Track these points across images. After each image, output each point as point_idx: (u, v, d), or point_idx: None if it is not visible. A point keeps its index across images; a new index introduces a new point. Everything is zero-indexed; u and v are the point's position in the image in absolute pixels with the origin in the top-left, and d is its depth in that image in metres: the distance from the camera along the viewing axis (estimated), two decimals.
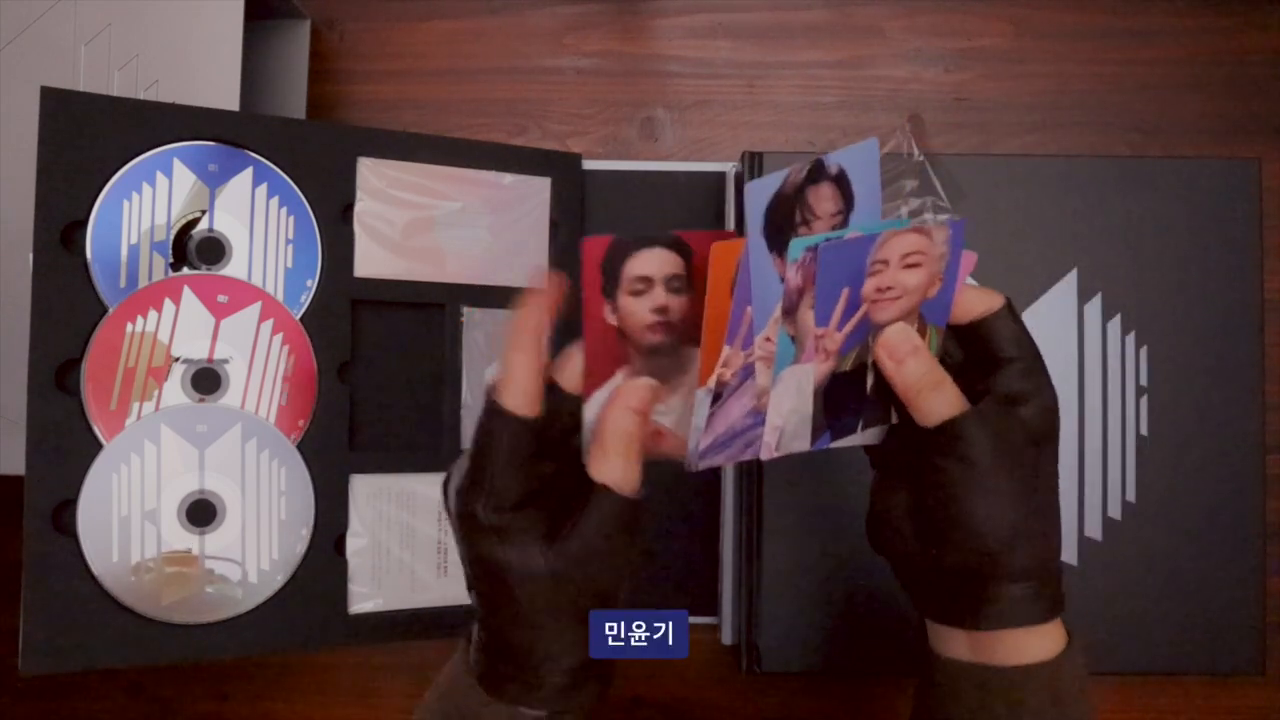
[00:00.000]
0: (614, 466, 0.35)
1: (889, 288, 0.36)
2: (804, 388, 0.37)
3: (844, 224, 0.36)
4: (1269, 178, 0.57)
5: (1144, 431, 0.55)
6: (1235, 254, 0.55)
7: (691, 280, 0.37)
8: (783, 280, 0.35)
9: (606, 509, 0.35)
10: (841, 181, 0.36)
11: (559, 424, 0.36)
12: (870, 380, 0.38)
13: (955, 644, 0.38)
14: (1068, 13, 0.63)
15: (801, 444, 0.38)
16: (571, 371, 0.37)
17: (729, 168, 0.59)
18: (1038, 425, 0.36)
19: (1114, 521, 0.55)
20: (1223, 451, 0.55)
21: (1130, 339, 0.55)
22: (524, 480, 0.35)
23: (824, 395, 0.38)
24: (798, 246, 0.34)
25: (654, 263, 0.36)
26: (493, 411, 0.35)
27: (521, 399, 0.35)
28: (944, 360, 0.38)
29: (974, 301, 0.37)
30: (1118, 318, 0.55)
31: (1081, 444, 0.55)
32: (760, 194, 0.35)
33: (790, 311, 0.35)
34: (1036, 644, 0.37)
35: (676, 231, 0.37)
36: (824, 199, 0.36)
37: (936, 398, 0.36)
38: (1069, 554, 0.54)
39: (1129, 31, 0.63)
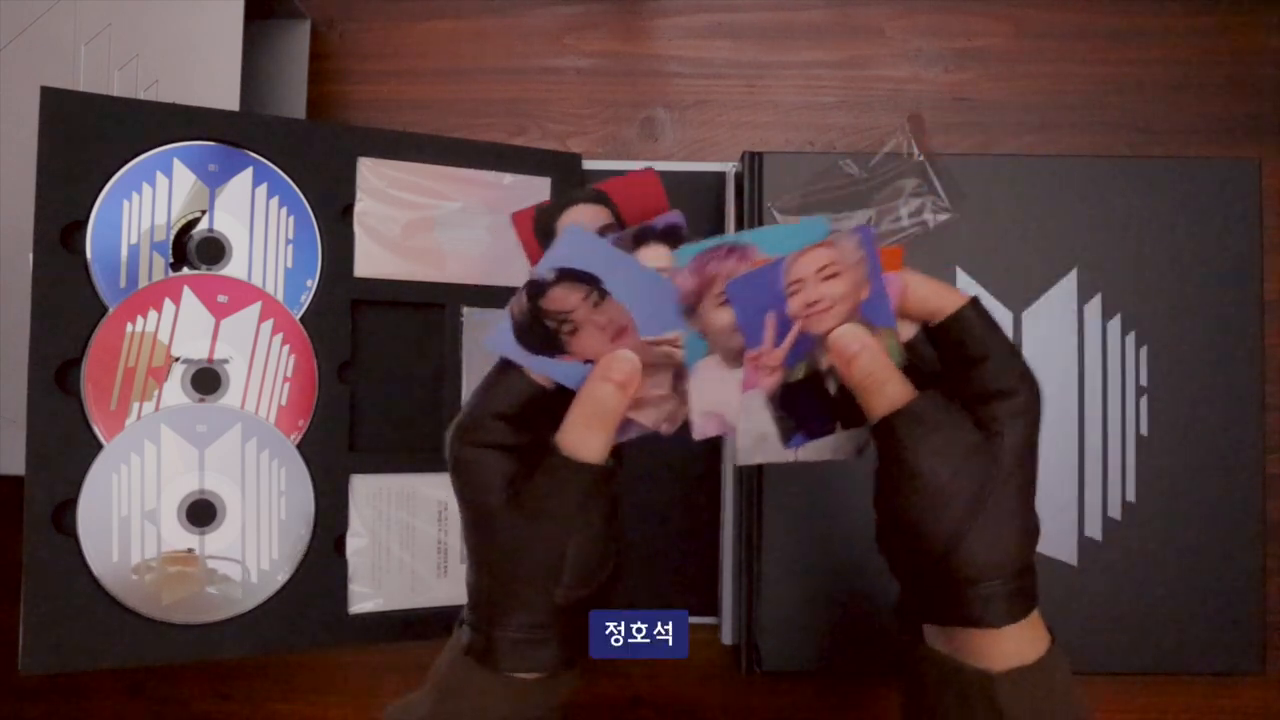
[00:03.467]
0: (577, 433, 0.36)
1: (815, 301, 0.37)
2: (756, 408, 0.38)
3: (601, 298, 0.37)
4: (1269, 178, 0.57)
5: (1144, 431, 0.55)
6: (1235, 254, 0.55)
7: (624, 228, 0.38)
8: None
9: (561, 472, 0.36)
10: (568, 276, 0.37)
11: (554, 398, 0.38)
12: (833, 385, 0.38)
13: (936, 640, 0.38)
14: (1068, 13, 0.63)
15: (776, 453, 0.39)
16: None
17: (729, 168, 0.59)
18: (1018, 419, 0.36)
19: (1114, 521, 0.55)
20: (1223, 451, 0.55)
21: (1130, 339, 0.55)
22: (511, 429, 0.37)
23: (781, 404, 0.38)
24: (684, 254, 0.36)
25: (584, 217, 0.37)
26: (506, 363, 0.37)
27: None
28: (919, 367, 0.38)
29: (935, 300, 0.37)
30: (1118, 318, 0.55)
31: (1081, 444, 0.55)
32: (501, 337, 0.37)
33: (690, 313, 0.37)
34: (1013, 648, 0.36)
35: (595, 185, 0.39)
36: (560, 299, 0.37)
37: (880, 394, 0.36)
38: (1069, 554, 0.54)
39: (1129, 31, 0.63)
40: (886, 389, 0.36)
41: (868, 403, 0.36)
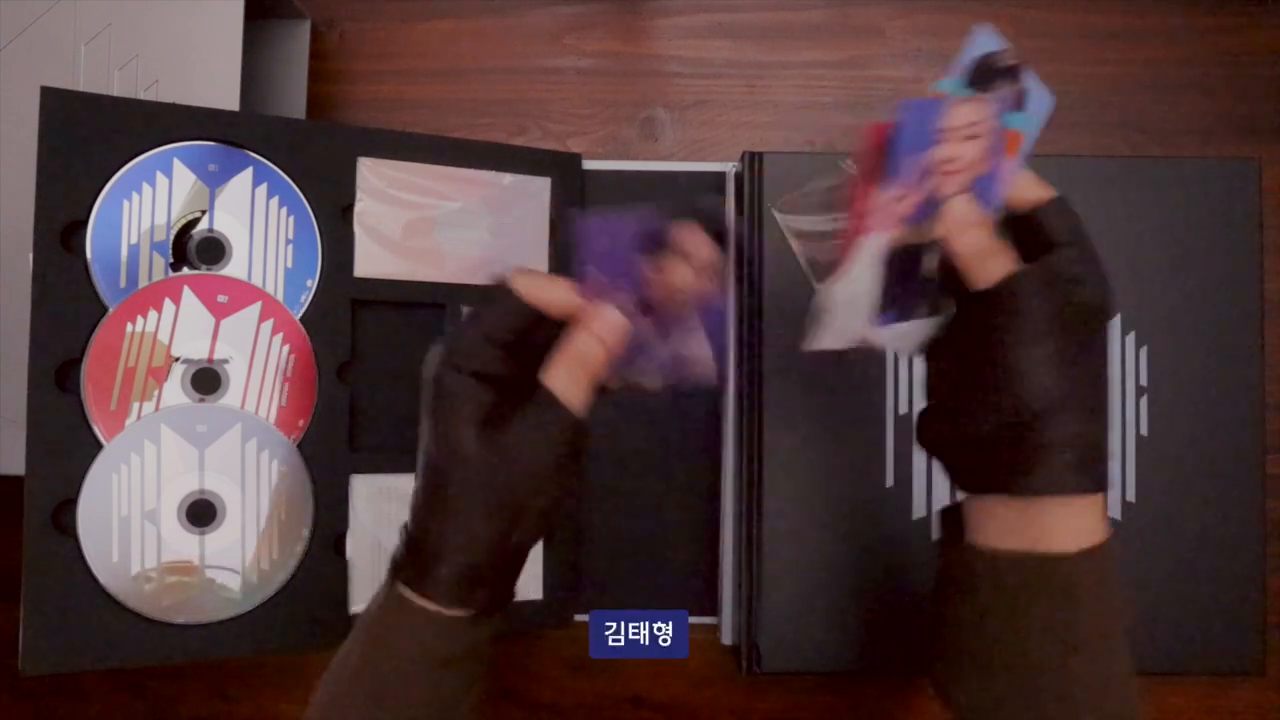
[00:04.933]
0: (562, 378, 0.36)
1: (951, 159, 0.37)
2: (865, 265, 0.38)
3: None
4: (1269, 178, 0.57)
5: (1144, 431, 0.55)
6: (1235, 254, 0.55)
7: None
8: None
9: (546, 413, 0.36)
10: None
11: (544, 332, 0.37)
12: (929, 263, 0.38)
13: (997, 525, 0.38)
14: (1068, 13, 0.63)
15: (859, 326, 0.39)
16: (558, 295, 0.37)
17: (729, 168, 0.59)
18: (1093, 303, 0.37)
19: (1114, 521, 0.55)
20: (1223, 451, 0.55)
21: (1130, 339, 0.55)
22: (493, 359, 0.36)
23: (889, 265, 0.38)
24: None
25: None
26: (500, 289, 0.37)
27: (527, 282, 0.37)
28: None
29: (1029, 188, 0.38)
30: (1118, 318, 0.55)
31: None
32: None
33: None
34: (1086, 524, 0.37)
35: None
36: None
37: (994, 261, 0.37)
38: None
39: (1129, 31, 0.63)
40: (1002, 256, 0.37)
41: (979, 267, 0.37)
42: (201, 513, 0.50)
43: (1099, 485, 0.37)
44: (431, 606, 0.37)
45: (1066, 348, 0.36)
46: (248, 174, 0.51)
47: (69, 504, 0.47)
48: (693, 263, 0.37)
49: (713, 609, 0.59)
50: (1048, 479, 0.36)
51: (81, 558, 0.47)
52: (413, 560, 0.37)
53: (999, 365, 0.36)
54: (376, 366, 0.54)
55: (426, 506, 0.37)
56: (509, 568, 0.38)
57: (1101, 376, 0.38)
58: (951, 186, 0.37)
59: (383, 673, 0.37)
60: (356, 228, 0.53)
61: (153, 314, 0.49)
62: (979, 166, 0.37)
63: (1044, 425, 0.36)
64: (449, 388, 0.37)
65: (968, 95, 0.37)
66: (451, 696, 0.38)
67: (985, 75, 0.38)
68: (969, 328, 0.38)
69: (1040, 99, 0.39)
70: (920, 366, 0.55)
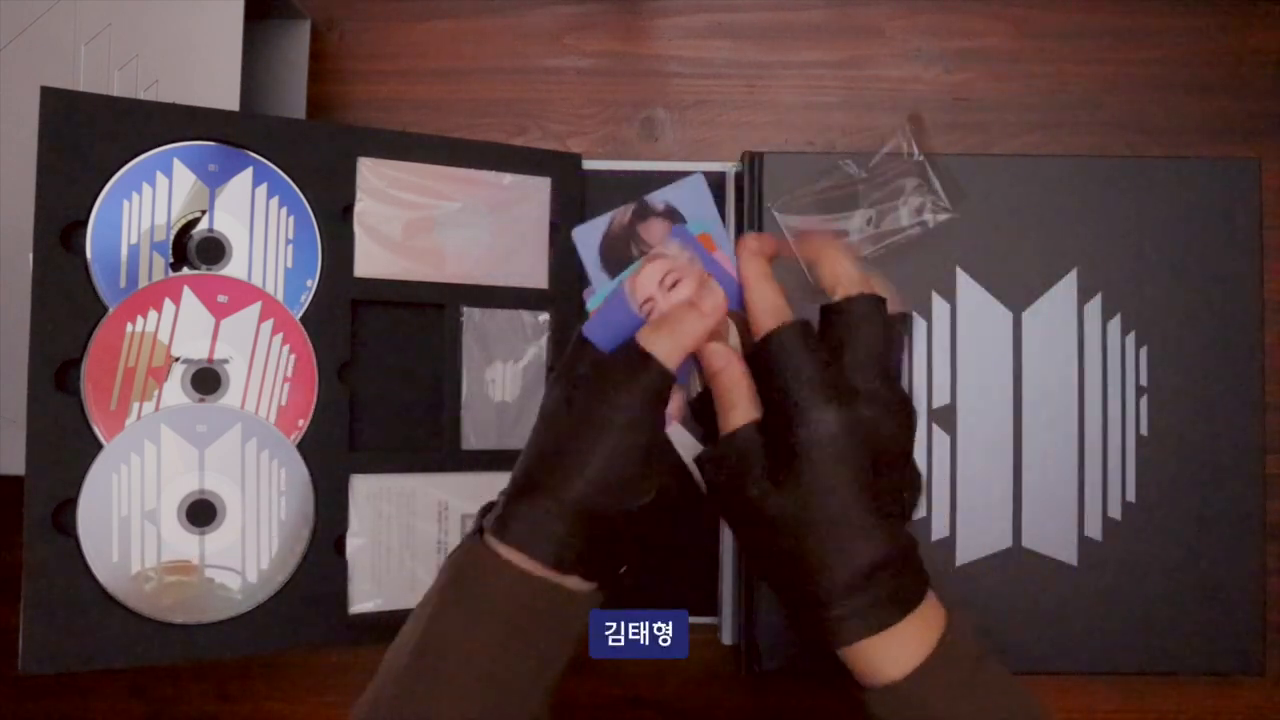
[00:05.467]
0: (657, 336, 0.37)
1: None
2: (680, 438, 0.39)
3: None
4: (1269, 178, 0.57)
5: (1144, 431, 0.55)
6: (1235, 254, 0.55)
7: None
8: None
9: (632, 364, 0.37)
10: (671, 215, 0.39)
11: None
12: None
13: (855, 665, 0.37)
14: (1068, 13, 0.63)
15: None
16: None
17: (729, 168, 0.59)
18: (832, 429, 0.36)
19: (1114, 521, 0.55)
20: (1223, 451, 0.55)
21: (1130, 339, 0.55)
22: None
23: (696, 419, 0.40)
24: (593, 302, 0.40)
25: None
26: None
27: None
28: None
29: (758, 317, 0.39)
30: (1118, 318, 0.55)
31: (1081, 444, 0.55)
32: (587, 237, 0.39)
33: None
34: (894, 653, 0.35)
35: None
36: (655, 232, 0.39)
37: (728, 416, 0.38)
38: (1069, 554, 0.54)
39: (1129, 31, 0.63)
40: (734, 413, 0.38)
41: (722, 420, 0.38)
42: (201, 513, 0.50)
43: (910, 603, 0.36)
44: (520, 560, 0.36)
45: (830, 500, 0.35)
46: (248, 174, 0.51)
47: (69, 504, 0.47)
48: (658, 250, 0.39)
49: (713, 609, 0.59)
50: (856, 632, 0.35)
51: (81, 558, 0.47)
52: (503, 505, 0.37)
53: (760, 558, 0.37)
54: (376, 366, 0.54)
55: (523, 454, 0.39)
56: (583, 532, 0.37)
57: (853, 499, 0.36)
58: (691, 317, 0.38)
59: (453, 628, 0.36)
60: (356, 228, 0.53)
61: (153, 314, 0.49)
62: (703, 286, 0.38)
63: (836, 601, 0.35)
64: (579, 341, 0.39)
65: (634, 268, 0.39)
66: (523, 665, 0.36)
67: (620, 244, 0.40)
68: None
69: (688, 188, 0.41)
70: (922, 366, 0.55)
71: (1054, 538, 0.54)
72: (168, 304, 0.49)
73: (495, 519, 0.38)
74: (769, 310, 0.38)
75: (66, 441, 0.47)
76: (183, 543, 0.49)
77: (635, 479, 0.37)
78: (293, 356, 0.51)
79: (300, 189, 0.52)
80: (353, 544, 0.53)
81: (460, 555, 0.38)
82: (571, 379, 0.39)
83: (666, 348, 0.37)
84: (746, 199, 0.56)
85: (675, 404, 0.39)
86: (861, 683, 0.36)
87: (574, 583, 0.37)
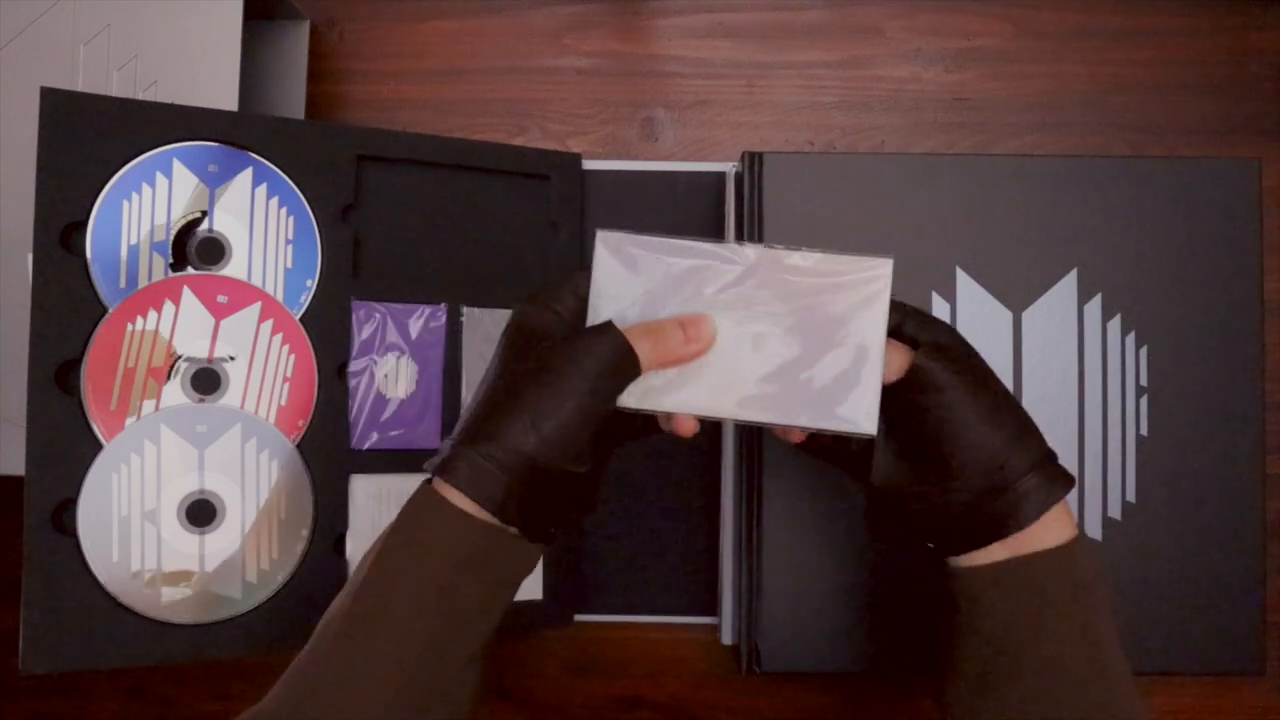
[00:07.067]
0: (648, 347, 0.39)
1: None
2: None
3: None
4: (1269, 178, 0.57)
5: (1144, 431, 0.55)
6: (1235, 254, 0.55)
7: None
8: None
9: (598, 335, 0.39)
10: None
11: None
12: None
13: (981, 557, 0.40)
14: (1068, 13, 0.63)
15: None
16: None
17: (729, 168, 0.59)
18: (960, 343, 0.42)
19: (1114, 521, 0.55)
20: (1223, 451, 0.55)
21: (1130, 339, 0.55)
22: (580, 309, 0.41)
23: None
24: None
25: None
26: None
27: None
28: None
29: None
30: (1118, 318, 0.55)
31: (1081, 444, 0.55)
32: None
33: None
34: (1052, 531, 0.39)
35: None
36: None
37: (894, 356, 0.40)
38: None
39: (1129, 31, 0.63)
40: (895, 353, 0.41)
41: (887, 368, 0.40)
42: (201, 513, 0.50)
43: (1068, 483, 0.40)
44: (464, 504, 0.37)
45: (984, 393, 0.40)
46: (248, 174, 0.51)
47: (69, 504, 0.47)
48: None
49: (713, 609, 0.59)
50: (1034, 509, 0.39)
51: (81, 558, 0.47)
52: (464, 450, 0.38)
53: (946, 440, 0.39)
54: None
55: (472, 401, 0.40)
56: (528, 486, 0.38)
57: (1003, 388, 0.41)
58: None
59: (395, 568, 0.37)
60: (357, 228, 0.53)
61: (153, 314, 0.49)
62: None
63: (1010, 470, 0.39)
64: (527, 312, 0.40)
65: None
66: (464, 608, 0.37)
67: None
68: (901, 420, 0.41)
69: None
70: None
71: None
72: (168, 304, 0.49)
73: (442, 460, 0.38)
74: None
75: (66, 441, 0.47)
76: (183, 543, 0.49)
77: (586, 445, 0.38)
78: (292, 356, 0.51)
79: (300, 189, 0.52)
80: (353, 544, 0.53)
81: (407, 505, 0.39)
82: (544, 325, 0.40)
83: (647, 353, 0.39)
84: (746, 199, 0.56)
85: (689, 425, 0.41)
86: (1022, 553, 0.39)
87: (514, 533, 0.38)
